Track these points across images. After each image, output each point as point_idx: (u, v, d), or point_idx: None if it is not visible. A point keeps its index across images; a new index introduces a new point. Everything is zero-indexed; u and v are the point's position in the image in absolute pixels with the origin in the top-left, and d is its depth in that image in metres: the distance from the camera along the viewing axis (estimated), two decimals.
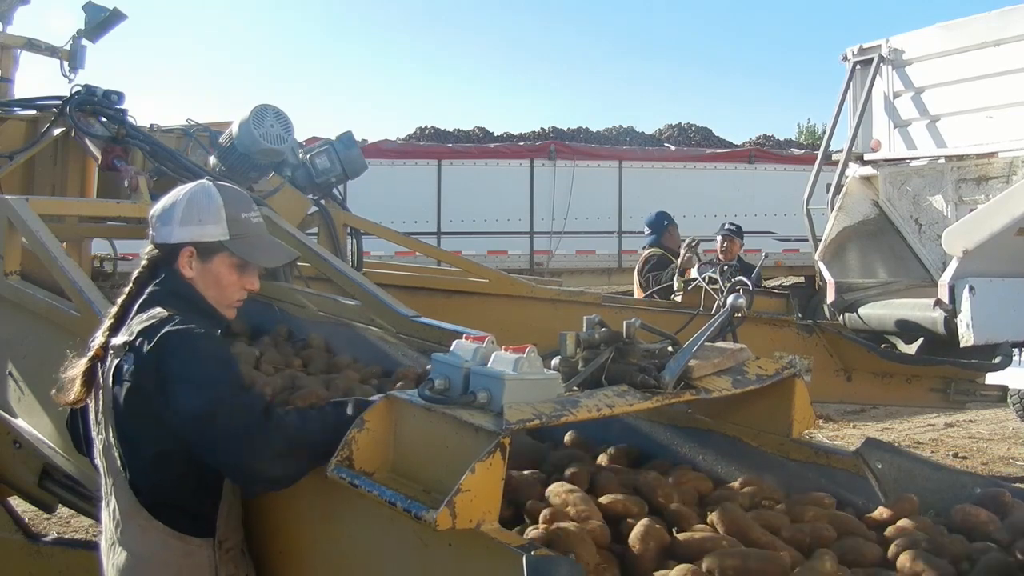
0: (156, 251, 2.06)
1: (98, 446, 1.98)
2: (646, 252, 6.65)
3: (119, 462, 1.91)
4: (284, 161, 4.40)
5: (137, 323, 1.91)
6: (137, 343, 1.86)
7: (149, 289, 2.01)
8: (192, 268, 2.02)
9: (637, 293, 6.45)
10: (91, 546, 2.50)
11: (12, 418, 3.08)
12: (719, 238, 6.63)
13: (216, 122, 4.81)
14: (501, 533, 1.54)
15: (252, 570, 2.02)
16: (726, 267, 5.31)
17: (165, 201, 2.08)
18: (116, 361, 1.90)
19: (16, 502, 3.69)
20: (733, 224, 6.86)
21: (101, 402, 1.95)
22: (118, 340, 1.92)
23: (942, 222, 4.99)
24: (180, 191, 2.08)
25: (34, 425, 2.97)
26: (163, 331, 1.85)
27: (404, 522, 1.58)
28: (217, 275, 2.04)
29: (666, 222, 6.71)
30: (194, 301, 2.01)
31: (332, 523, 1.87)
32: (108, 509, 1.97)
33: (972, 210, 4.69)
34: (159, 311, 1.91)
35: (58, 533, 4.92)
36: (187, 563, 1.90)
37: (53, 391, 2.06)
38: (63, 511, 4.47)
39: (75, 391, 2.00)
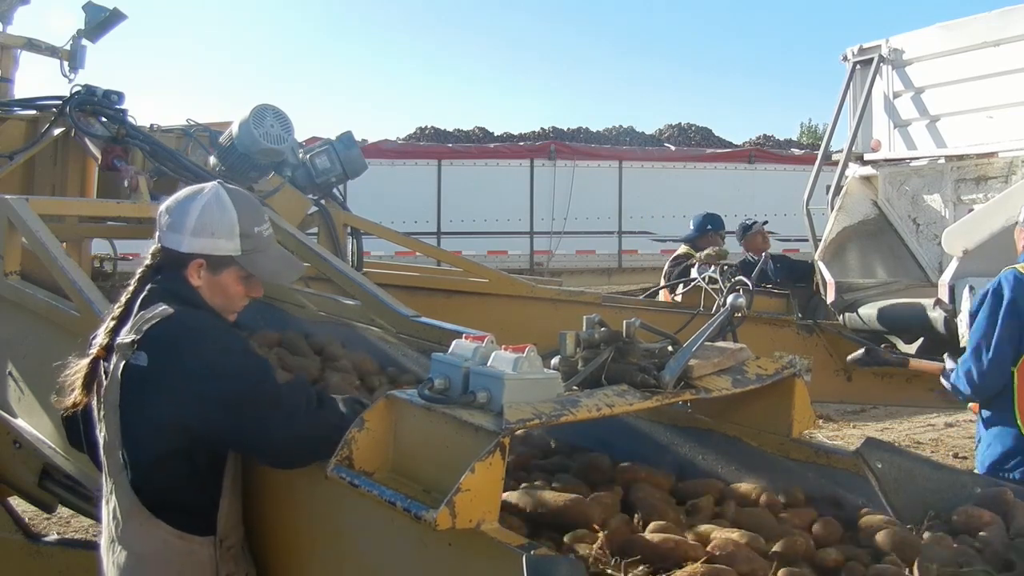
0: (163, 254, 2.05)
1: (101, 445, 1.98)
2: (677, 252, 6.47)
3: (122, 461, 1.91)
4: (284, 161, 4.40)
5: (143, 320, 1.91)
6: (147, 340, 1.86)
7: (149, 286, 2.01)
8: (200, 278, 2.02)
9: (663, 295, 6.15)
10: (91, 546, 2.50)
11: (12, 418, 3.08)
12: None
13: (216, 122, 4.81)
14: (501, 533, 1.54)
15: (252, 568, 2.02)
16: (726, 267, 5.31)
17: (178, 204, 2.05)
18: (123, 360, 1.89)
19: (16, 502, 3.69)
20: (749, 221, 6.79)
21: (105, 401, 1.94)
22: (124, 339, 1.92)
23: (940, 222, 4.99)
24: (193, 196, 2.05)
25: (34, 425, 2.97)
26: (177, 325, 1.86)
27: (404, 522, 1.58)
28: (225, 286, 2.04)
29: (710, 227, 6.35)
30: (196, 304, 2.00)
31: (332, 523, 1.87)
32: (108, 507, 1.97)
33: (970, 210, 4.70)
34: (164, 308, 1.91)
35: (58, 533, 4.91)
36: (188, 561, 1.90)
37: (53, 396, 2.06)
38: (63, 511, 4.47)
39: (75, 394, 2.00)
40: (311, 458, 1.84)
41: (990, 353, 3.34)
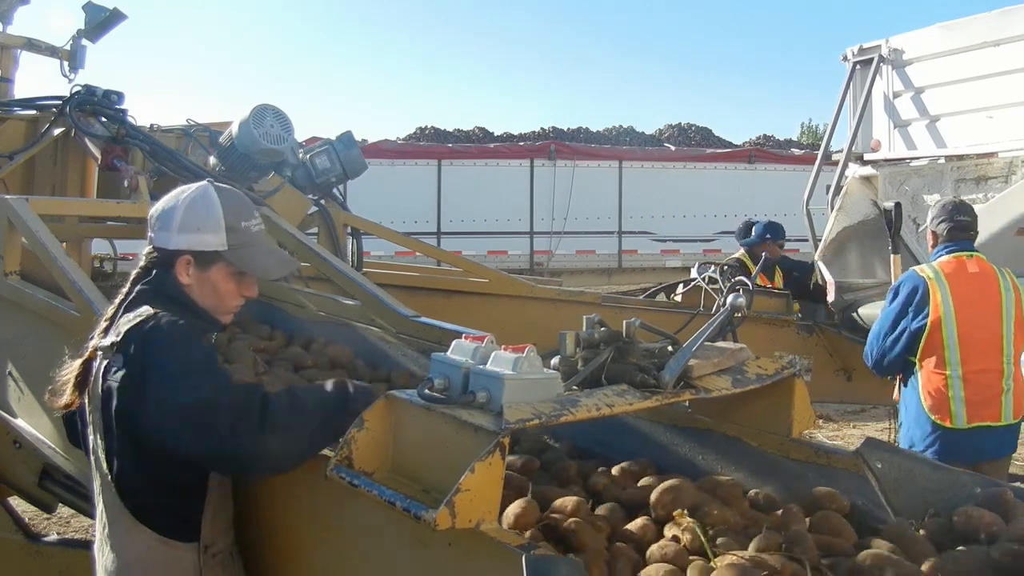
0: (155, 254, 2.05)
1: (89, 446, 1.97)
2: (735, 255, 6.38)
3: (105, 463, 1.89)
4: (284, 161, 4.41)
5: (124, 323, 1.90)
6: (124, 342, 1.85)
7: (138, 288, 2.00)
8: (189, 275, 2.00)
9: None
10: (91, 546, 2.49)
11: (12, 418, 3.08)
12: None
13: (216, 122, 4.82)
14: (501, 533, 1.54)
15: (242, 574, 2.00)
16: (726, 267, 5.30)
17: (165, 203, 2.06)
18: (105, 362, 1.89)
19: (16, 502, 3.69)
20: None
21: (91, 403, 1.93)
22: (106, 341, 1.91)
23: None
24: (181, 194, 2.05)
25: (34, 425, 2.97)
26: (152, 329, 1.84)
27: (404, 522, 1.58)
28: (215, 284, 2.02)
29: (769, 236, 6.19)
30: (185, 304, 1.99)
31: (331, 523, 1.87)
32: (97, 510, 1.96)
33: None
34: (146, 309, 1.90)
35: (58, 533, 4.92)
36: (172, 568, 1.88)
37: (47, 395, 2.06)
38: (63, 511, 4.48)
39: (67, 394, 1.99)
40: (279, 464, 1.82)
41: (880, 341, 3.75)
